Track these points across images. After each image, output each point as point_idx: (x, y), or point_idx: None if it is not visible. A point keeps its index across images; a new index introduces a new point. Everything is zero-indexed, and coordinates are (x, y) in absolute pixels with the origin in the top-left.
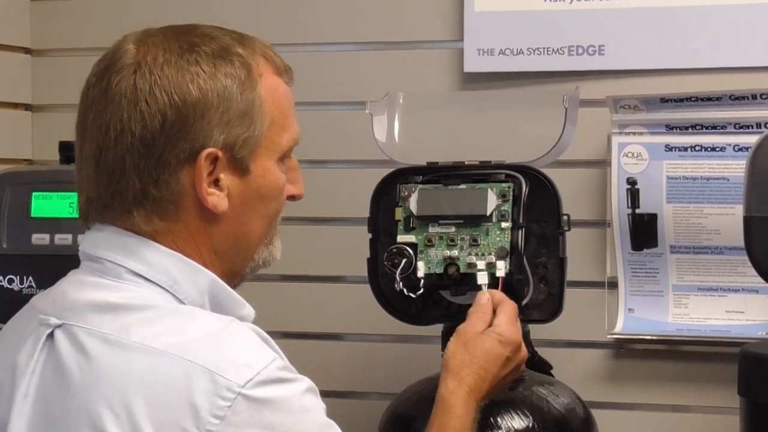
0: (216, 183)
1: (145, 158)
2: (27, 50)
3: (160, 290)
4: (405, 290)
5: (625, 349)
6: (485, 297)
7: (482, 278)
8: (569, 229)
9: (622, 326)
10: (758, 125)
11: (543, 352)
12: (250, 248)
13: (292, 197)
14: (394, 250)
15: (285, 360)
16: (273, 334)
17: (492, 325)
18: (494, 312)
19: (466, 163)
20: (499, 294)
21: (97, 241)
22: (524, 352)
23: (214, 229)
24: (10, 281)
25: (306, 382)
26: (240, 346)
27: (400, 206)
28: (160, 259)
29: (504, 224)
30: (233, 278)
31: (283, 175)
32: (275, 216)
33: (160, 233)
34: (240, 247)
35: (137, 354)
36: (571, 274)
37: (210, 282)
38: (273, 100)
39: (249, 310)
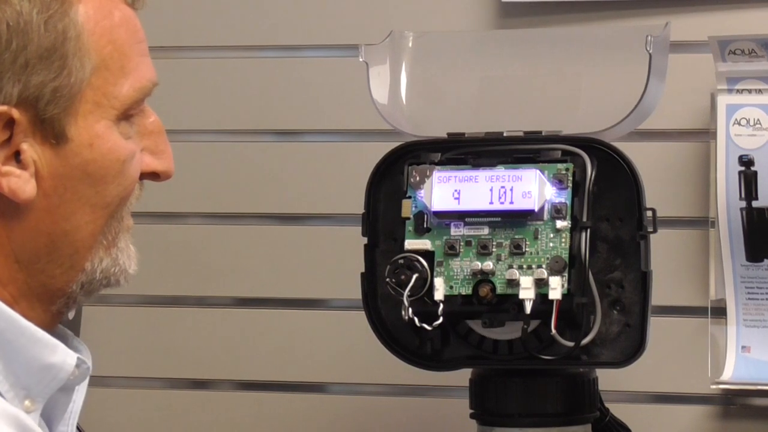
0: (16, 158)
1: None
2: None
3: None
4: (416, 320)
5: (738, 405)
6: None
7: (528, 303)
8: (655, 231)
9: (733, 372)
10: None
11: (618, 410)
12: (76, 253)
13: (154, 175)
14: (401, 262)
15: None
16: (224, 384)
17: None
18: None
19: (504, 134)
20: None
21: None
22: None
23: (15, 227)
24: None
25: None
26: None
27: (409, 198)
28: None
29: (560, 223)
30: (53, 299)
31: (130, 142)
32: (119, 205)
33: None
34: (58, 252)
35: None
36: (658, 297)
37: None
38: (102, 30)
39: (64, 356)
